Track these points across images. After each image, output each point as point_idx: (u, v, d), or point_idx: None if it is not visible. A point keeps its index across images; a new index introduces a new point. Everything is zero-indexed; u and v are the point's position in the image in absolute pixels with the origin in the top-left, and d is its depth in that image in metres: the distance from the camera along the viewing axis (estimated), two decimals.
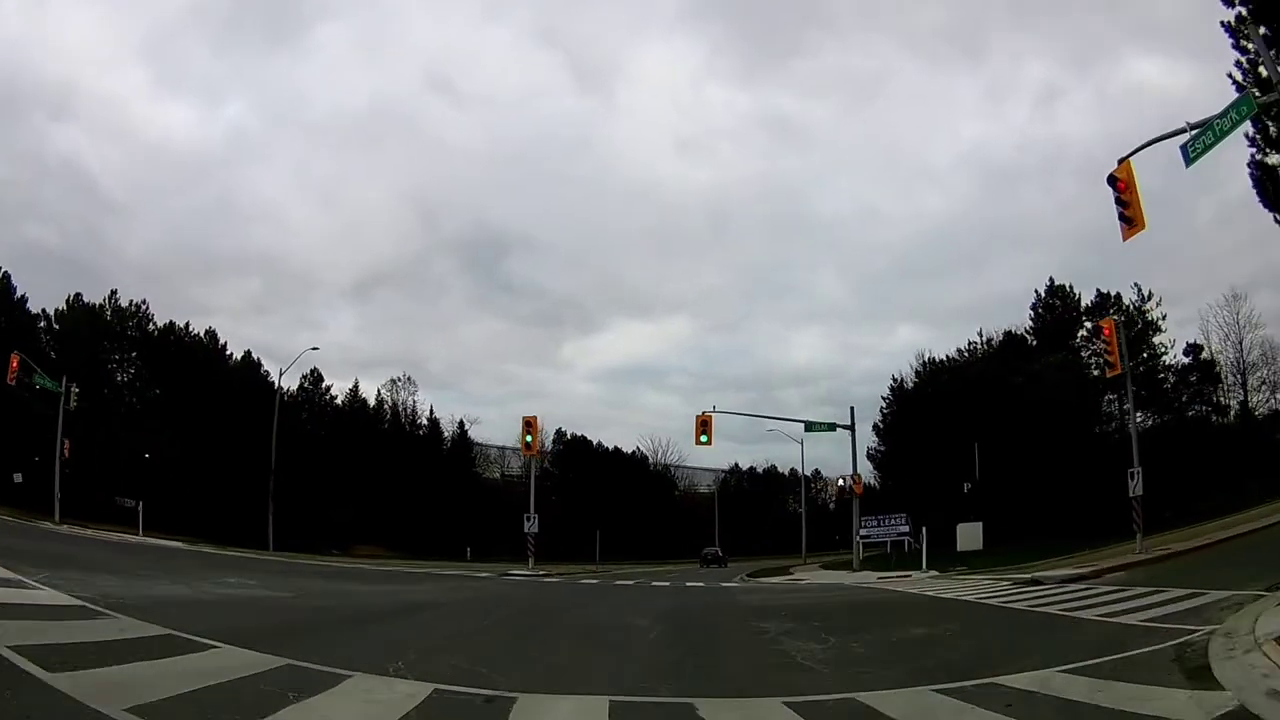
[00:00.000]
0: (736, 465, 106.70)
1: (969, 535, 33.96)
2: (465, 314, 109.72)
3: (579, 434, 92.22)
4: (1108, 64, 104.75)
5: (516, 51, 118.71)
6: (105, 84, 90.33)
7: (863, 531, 36.33)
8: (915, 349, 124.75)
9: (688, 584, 27.05)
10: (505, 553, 70.18)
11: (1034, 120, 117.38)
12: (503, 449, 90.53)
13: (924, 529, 29.58)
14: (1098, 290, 48.04)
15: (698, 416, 31.16)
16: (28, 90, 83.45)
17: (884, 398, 61.18)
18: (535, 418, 32.69)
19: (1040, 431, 39.46)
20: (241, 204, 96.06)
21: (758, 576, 33.11)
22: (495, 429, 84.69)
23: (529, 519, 32.61)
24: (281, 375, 53.01)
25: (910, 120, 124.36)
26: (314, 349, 45.05)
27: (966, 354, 50.14)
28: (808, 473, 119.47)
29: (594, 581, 27.70)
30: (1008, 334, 49.10)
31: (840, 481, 32.55)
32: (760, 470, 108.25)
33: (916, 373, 57.47)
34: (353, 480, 65.11)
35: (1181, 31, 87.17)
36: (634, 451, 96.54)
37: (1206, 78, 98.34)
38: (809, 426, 32.26)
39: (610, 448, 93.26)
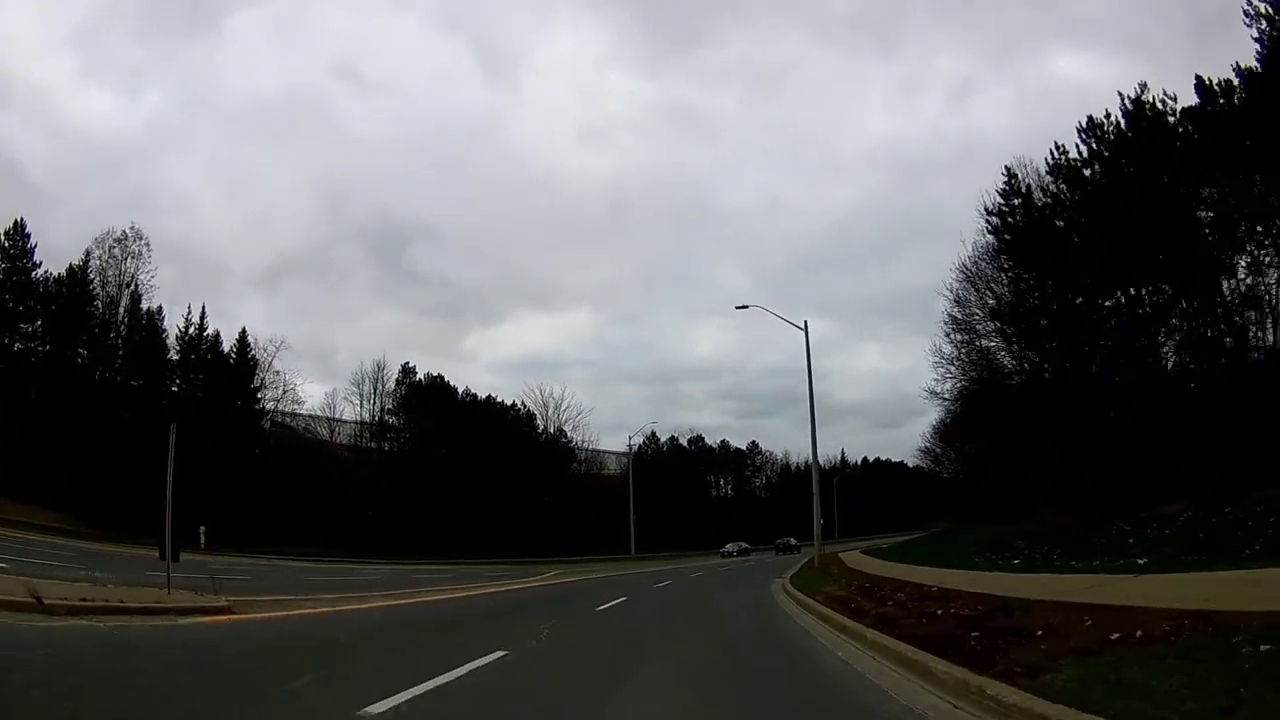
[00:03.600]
0: (654, 433, 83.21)
1: None
2: (369, 305, 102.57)
3: (435, 374, 66.47)
4: (1026, 58, 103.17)
5: (422, 38, 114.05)
6: (36, 72, 77.64)
7: None
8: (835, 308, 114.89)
9: None
10: (309, 540, 45.01)
11: (948, 113, 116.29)
12: (335, 415, 62.61)
13: None
14: None
15: None
16: None
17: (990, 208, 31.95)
18: None
19: None
20: (157, 192, 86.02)
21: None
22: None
23: None
24: None
25: (818, 111, 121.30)
26: None
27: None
28: (743, 446, 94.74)
29: None
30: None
31: None
32: (684, 441, 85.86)
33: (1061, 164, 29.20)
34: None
35: (1103, 25, 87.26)
36: (516, 406, 71.45)
37: (1130, 73, 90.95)
38: None
39: (481, 396, 68.03)
